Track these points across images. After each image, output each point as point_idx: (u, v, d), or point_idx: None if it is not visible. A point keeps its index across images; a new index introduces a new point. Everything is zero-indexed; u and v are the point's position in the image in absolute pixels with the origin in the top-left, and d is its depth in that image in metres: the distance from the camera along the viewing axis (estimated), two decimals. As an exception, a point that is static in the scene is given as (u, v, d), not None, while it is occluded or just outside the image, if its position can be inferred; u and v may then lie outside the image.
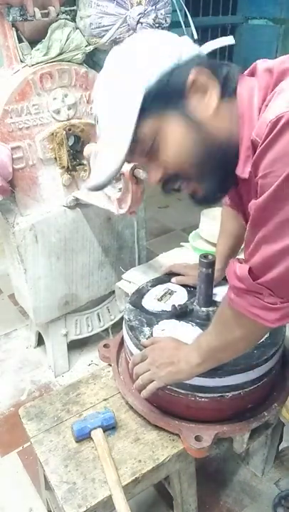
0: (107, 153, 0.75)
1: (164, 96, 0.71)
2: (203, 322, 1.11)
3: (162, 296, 1.24)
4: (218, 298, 1.18)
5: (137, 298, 1.24)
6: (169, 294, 1.25)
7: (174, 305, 1.16)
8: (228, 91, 0.74)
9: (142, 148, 0.75)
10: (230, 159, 0.74)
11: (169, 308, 1.17)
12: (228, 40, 0.77)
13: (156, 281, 1.32)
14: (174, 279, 1.31)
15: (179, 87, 0.71)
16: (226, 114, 0.73)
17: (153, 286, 1.29)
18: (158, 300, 1.23)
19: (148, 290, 1.27)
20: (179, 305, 1.15)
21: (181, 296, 1.24)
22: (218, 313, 0.90)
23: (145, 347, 1.04)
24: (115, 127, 0.73)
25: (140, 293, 1.26)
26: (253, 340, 0.88)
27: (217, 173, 0.77)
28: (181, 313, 1.15)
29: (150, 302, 1.22)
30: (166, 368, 0.96)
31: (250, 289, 0.74)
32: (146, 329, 1.12)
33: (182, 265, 1.35)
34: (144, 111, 0.70)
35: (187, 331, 1.10)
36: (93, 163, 0.77)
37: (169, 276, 1.33)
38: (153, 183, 0.79)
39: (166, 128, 0.73)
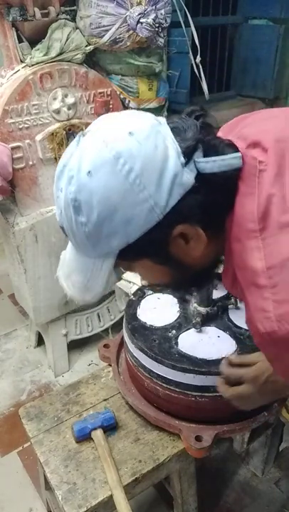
0: (85, 277, 0.67)
1: (142, 249, 0.61)
2: (204, 322, 1.11)
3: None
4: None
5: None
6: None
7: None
8: (215, 227, 0.63)
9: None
10: (210, 274, 0.76)
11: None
12: (233, 161, 0.60)
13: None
14: (144, 281, 1.25)
15: (160, 241, 0.61)
16: (212, 247, 0.65)
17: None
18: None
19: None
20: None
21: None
22: None
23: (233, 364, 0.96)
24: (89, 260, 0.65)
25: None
26: None
27: (194, 285, 0.85)
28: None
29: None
30: (268, 397, 0.93)
31: None
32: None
33: None
34: (119, 256, 0.62)
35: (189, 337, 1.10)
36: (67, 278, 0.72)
37: None
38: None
39: (143, 265, 0.67)
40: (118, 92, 1.74)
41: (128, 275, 1.59)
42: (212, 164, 0.59)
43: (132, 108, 1.79)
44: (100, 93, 1.68)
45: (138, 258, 0.65)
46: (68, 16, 1.55)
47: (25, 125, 1.53)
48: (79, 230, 0.59)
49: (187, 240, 0.62)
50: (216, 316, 1.14)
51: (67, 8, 1.54)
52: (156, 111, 1.88)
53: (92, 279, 0.64)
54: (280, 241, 0.55)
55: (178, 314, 1.17)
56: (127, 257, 0.62)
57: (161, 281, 0.73)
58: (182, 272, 0.68)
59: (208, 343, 1.06)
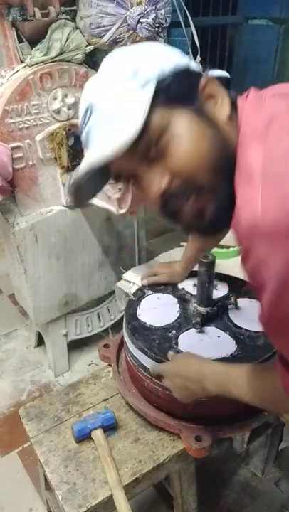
0: (108, 138, 0.61)
1: (179, 89, 0.62)
2: (204, 322, 1.12)
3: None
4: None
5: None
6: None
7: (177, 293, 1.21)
8: (233, 106, 0.66)
9: (147, 147, 0.61)
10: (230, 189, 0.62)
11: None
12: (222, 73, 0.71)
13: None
14: (144, 281, 1.31)
15: (194, 85, 0.64)
16: (234, 127, 0.64)
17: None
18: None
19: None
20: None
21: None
22: (264, 382, 0.80)
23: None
24: (120, 115, 0.60)
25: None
26: None
27: (231, 186, 0.64)
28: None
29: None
30: (187, 393, 0.95)
31: None
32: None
33: (155, 269, 1.35)
34: (156, 98, 0.60)
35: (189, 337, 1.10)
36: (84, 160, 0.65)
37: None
38: (154, 196, 0.64)
39: (180, 122, 0.61)
40: (118, 92, 1.74)
41: (128, 275, 1.59)
42: (213, 71, 0.69)
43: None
44: (100, 93, 1.68)
45: (175, 100, 0.62)
46: (68, 16, 1.55)
47: (25, 125, 1.53)
48: (120, 77, 0.63)
49: (214, 98, 0.66)
50: (216, 316, 1.14)
51: (67, 8, 1.54)
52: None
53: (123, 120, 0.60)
54: (280, 142, 0.57)
55: (178, 314, 1.17)
56: (165, 95, 0.61)
57: (196, 160, 0.62)
58: (219, 144, 0.63)
59: (208, 343, 1.06)
